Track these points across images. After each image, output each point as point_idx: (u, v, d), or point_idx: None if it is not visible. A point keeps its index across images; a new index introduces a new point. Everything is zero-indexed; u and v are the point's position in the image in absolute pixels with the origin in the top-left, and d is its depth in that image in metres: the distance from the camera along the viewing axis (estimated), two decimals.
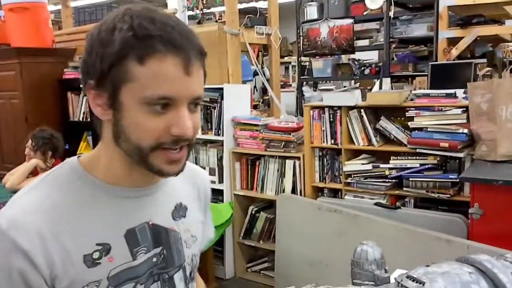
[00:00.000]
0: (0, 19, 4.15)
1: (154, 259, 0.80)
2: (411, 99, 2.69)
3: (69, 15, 5.01)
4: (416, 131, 2.57)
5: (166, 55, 0.69)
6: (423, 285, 1.08)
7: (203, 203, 0.97)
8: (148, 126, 0.71)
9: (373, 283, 1.35)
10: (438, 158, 2.54)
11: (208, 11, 4.17)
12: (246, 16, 3.91)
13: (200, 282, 1.06)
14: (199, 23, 3.65)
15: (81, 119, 3.97)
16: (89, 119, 3.91)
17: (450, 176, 2.51)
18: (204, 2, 3.76)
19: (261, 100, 6.12)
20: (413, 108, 2.58)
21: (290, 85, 6.89)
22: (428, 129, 2.52)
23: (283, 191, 3.11)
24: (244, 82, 3.90)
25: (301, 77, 4.71)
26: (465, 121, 2.47)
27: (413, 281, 1.12)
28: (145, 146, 0.72)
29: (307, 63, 4.79)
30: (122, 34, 0.69)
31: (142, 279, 0.78)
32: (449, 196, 2.51)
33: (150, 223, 0.81)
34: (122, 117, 0.72)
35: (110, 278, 0.74)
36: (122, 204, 0.79)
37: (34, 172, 3.08)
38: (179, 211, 0.87)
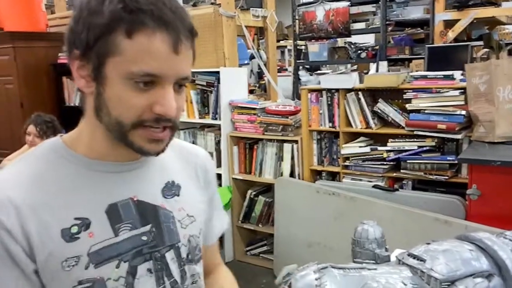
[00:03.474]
0: None
1: (144, 238, 0.78)
2: (409, 81, 2.68)
3: None
4: (414, 113, 2.57)
5: (155, 31, 0.67)
6: (424, 262, 1.10)
7: (202, 182, 0.93)
8: (130, 102, 0.69)
9: (373, 261, 1.37)
10: (436, 140, 2.55)
11: None
12: None
13: (224, 274, 1.02)
14: (194, 5, 3.61)
15: (77, 104, 3.94)
16: None
17: (448, 158, 2.52)
18: None
19: (257, 85, 6.09)
20: (411, 90, 2.58)
21: (286, 69, 6.87)
22: (426, 111, 2.53)
23: (281, 174, 3.12)
24: (240, 65, 3.88)
25: (297, 61, 4.69)
26: (463, 102, 2.47)
27: (414, 258, 1.13)
28: (126, 122, 0.71)
29: (303, 47, 4.76)
30: (112, 6, 0.67)
31: (126, 257, 0.75)
32: (446, 177, 2.53)
33: (135, 199, 0.79)
34: (104, 90, 0.70)
35: (90, 254, 0.72)
36: (104, 179, 0.77)
37: None
38: (171, 189, 0.85)
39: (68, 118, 3.84)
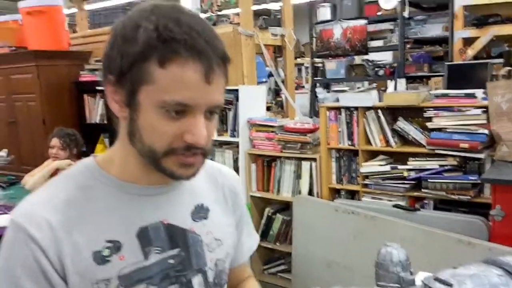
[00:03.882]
0: (17, 22, 4.20)
1: (171, 261, 0.78)
2: (430, 100, 2.66)
3: (84, 18, 5.05)
4: (435, 131, 2.54)
5: (188, 60, 0.67)
6: (451, 287, 1.07)
7: (230, 205, 0.93)
8: (162, 130, 0.70)
9: (398, 285, 1.34)
10: (458, 159, 2.51)
11: (220, 13, 4.18)
12: (261, 17, 3.90)
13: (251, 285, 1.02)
14: (214, 25, 3.66)
15: (97, 121, 4.01)
16: (105, 122, 3.94)
17: (470, 178, 2.48)
18: (218, 4, 3.77)
19: (274, 102, 6.11)
20: (432, 109, 2.55)
21: (303, 87, 6.89)
22: (448, 130, 2.50)
23: (300, 192, 3.10)
24: (258, 83, 3.90)
25: (314, 78, 4.70)
26: (485, 121, 2.43)
27: (440, 282, 1.11)
28: (158, 150, 0.71)
29: (320, 65, 4.77)
30: (146, 34, 0.67)
31: (154, 280, 0.75)
32: (469, 197, 2.48)
33: (165, 222, 0.79)
34: (138, 117, 0.71)
35: (120, 277, 0.73)
36: (136, 201, 0.78)
37: (54, 173, 3.11)
38: (200, 212, 0.85)
39: (89, 134, 3.92)
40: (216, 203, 0.90)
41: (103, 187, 0.77)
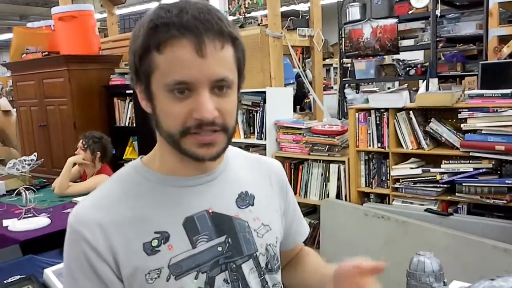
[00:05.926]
0: (50, 28, 4.31)
1: (219, 248, 0.80)
2: (464, 100, 2.57)
3: (115, 23, 5.14)
4: (470, 133, 2.45)
5: (178, 39, 0.70)
6: None
7: (276, 191, 0.95)
8: (173, 112, 0.73)
9: None
10: (493, 162, 2.41)
11: (249, 15, 4.17)
12: (289, 18, 3.87)
13: (309, 253, 1.06)
14: (241, 27, 3.66)
15: (127, 124, 4.06)
16: (135, 125, 3.98)
17: (507, 181, 2.37)
18: (246, 6, 3.76)
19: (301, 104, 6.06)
20: (466, 109, 2.46)
21: (332, 88, 6.82)
22: (483, 132, 2.40)
23: (328, 196, 3.05)
24: (286, 85, 3.87)
25: (343, 79, 4.63)
26: None
27: None
28: (174, 132, 0.74)
29: (349, 65, 4.70)
30: (143, 28, 0.72)
31: (204, 268, 0.78)
32: (505, 202, 2.38)
33: (210, 211, 0.82)
34: (155, 106, 0.75)
35: (171, 266, 0.76)
36: (179, 193, 0.81)
37: (82, 176, 3.16)
38: (245, 199, 0.87)
39: (119, 137, 3.98)
40: (262, 189, 0.92)
41: (147, 182, 0.81)
